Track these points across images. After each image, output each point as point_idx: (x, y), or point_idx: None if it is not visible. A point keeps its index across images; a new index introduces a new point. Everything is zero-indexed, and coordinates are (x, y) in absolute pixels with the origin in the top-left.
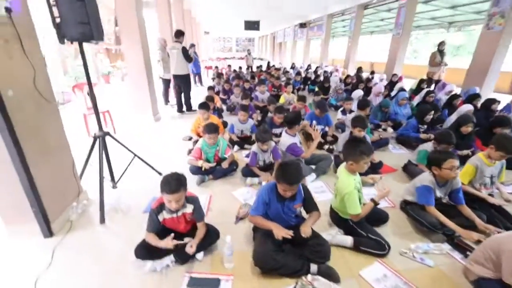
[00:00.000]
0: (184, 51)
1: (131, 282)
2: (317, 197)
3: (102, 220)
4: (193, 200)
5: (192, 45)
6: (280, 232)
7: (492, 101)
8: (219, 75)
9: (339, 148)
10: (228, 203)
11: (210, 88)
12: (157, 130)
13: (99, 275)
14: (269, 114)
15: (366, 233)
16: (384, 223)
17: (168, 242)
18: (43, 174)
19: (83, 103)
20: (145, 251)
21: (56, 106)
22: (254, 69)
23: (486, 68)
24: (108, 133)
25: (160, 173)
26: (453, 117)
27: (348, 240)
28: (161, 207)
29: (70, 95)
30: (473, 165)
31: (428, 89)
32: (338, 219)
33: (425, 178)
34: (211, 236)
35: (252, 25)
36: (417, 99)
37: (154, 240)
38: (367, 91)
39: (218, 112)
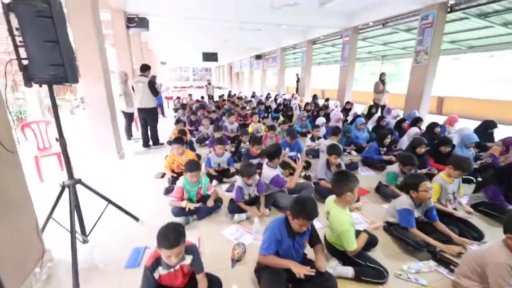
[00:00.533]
0: (151, 85)
1: None
2: None
3: (76, 285)
4: (191, 249)
5: (154, 77)
6: (301, 270)
7: (435, 124)
8: (183, 106)
9: (319, 175)
10: (220, 245)
11: (179, 121)
12: (124, 169)
13: None
14: (242, 144)
15: (364, 262)
16: (374, 246)
17: None
18: (2, 236)
19: (34, 144)
20: None
21: (17, 156)
22: (216, 98)
23: (420, 94)
24: (80, 181)
25: (136, 219)
26: (405, 139)
27: (349, 271)
28: (156, 263)
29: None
30: (438, 184)
31: (379, 114)
32: (335, 251)
33: (404, 201)
34: None
35: (210, 57)
36: (370, 123)
37: None
38: (326, 117)
39: (190, 145)
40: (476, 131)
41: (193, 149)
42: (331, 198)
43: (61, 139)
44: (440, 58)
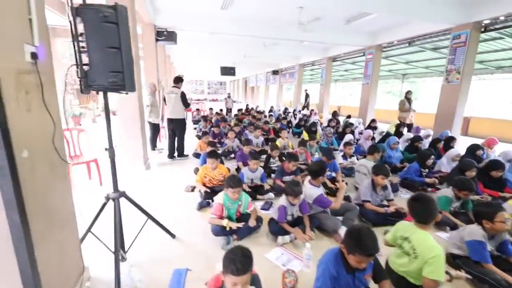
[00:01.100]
0: (183, 96)
1: None
2: None
3: None
4: (254, 280)
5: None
6: None
7: (476, 147)
8: (204, 118)
9: (364, 196)
10: (267, 271)
11: (206, 133)
12: (151, 180)
13: None
14: (272, 160)
15: None
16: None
17: None
18: (47, 255)
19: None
20: None
21: (67, 167)
22: (236, 112)
23: (451, 114)
24: (124, 194)
25: (173, 235)
26: (444, 160)
27: None
28: None
29: None
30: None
31: (410, 134)
32: (405, 285)
33: (475, 231)
34: None
35: (228, 71)
36: (401, 143)
37: None
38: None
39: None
40: None
41: (221, 163)
42: (405, 222)
43: (111, 149)
44: None
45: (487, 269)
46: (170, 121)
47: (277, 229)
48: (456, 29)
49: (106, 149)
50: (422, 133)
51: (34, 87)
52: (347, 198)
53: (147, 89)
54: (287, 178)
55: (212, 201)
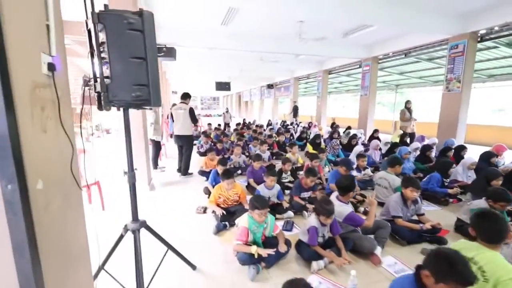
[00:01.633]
0: (191, 112)
1: None
2: None
3: None
4: None
5: (175, 105)
6: None
7: (491, 154)
8: (205, 133)
9: (394, 212)
10: None
11: (211, 149)
12: (157, 202)
13: None
14: (284, 175)
15: None
16: None
17: None
18: None
19: None
20: None
21: (81, 195)
22: (234, 126)
23: (454, 122)
24: (145, 223)
25: (194, 267)
26: (459, 169)
27: None
28: None
29: None
30: None
31: (418, 143)
32: None
33: None
34: None
35: (223, 86)
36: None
37: None
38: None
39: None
40: None
41: None
42: (466, 241)
43: (131, 173)
44: None
45: None
46: (178, 137)
47: (310, 254)
48: (453, 39)
49: (125, 173)
50: (427, 142)
51: (49, 103)
52: (365, 213)
53: None
54: (305, 195)
55: (229, 223)
